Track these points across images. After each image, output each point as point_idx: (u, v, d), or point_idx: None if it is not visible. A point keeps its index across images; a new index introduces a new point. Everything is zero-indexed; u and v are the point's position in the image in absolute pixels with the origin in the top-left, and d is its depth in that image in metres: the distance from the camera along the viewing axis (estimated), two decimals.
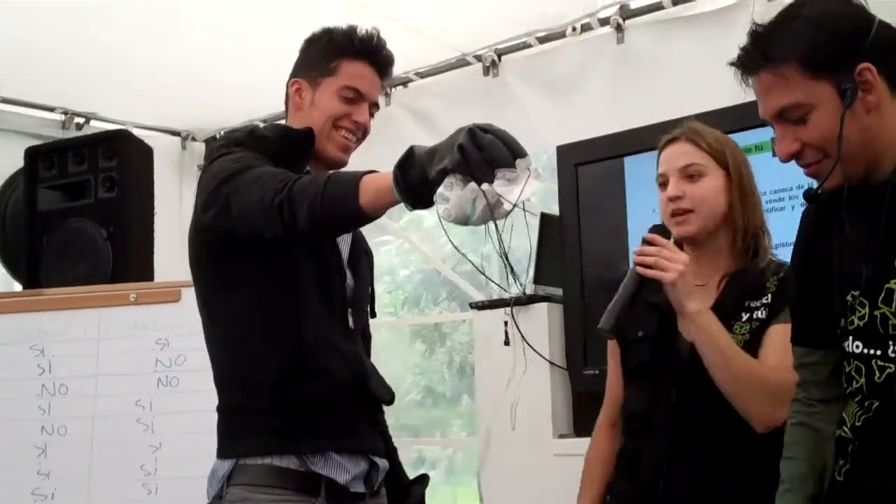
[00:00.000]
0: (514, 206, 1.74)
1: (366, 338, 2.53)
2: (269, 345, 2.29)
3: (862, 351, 1.92)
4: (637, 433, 2.48)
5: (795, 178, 3.05)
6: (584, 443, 3.42)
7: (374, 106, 2.51)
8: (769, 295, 2.37)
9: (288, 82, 2.50)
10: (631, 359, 2.53)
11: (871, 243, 1.87)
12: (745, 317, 2.37)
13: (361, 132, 2.48)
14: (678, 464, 2.36)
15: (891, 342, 1.87)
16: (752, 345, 2.33)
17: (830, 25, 1.86)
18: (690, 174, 2.41)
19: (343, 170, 2.28)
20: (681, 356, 2.40)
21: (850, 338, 1.94)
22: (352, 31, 2.47)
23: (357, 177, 1.93)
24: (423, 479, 2.70)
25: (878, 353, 1.89)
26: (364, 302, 2.53)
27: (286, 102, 2.52)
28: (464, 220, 1.76)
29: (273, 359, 2.28)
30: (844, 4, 1.90)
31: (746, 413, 2.29)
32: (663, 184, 2.46)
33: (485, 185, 1.72)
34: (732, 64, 1.94)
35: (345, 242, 2.45)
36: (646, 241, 2.37)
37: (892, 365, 1.87)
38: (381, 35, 2.49)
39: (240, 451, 2.28)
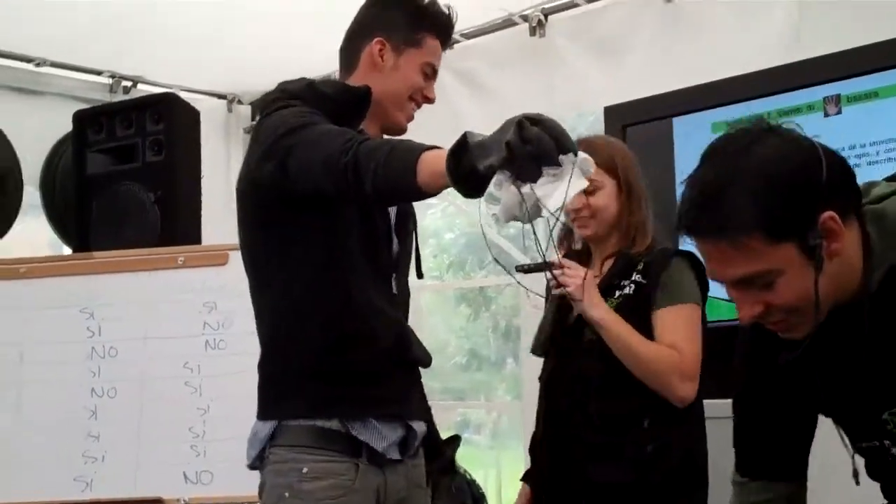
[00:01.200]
0: (554, 213, 1.71)
1: (403, 300, 2.51)
2: (317, 309, 2.28)
3: None
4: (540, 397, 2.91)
5: (846, 139, 3.01)
6: None
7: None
8: (637, 274, 2.71)
9: (363, 35, 2.45)
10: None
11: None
12: (616, 294, 2.72)
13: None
14: (555, 424, 2.81)
15: None
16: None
17: (785, 182, 1.65)
18: (589, 190, 2.72)
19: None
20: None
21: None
22: (436, 4, 2.47)
23: (417, 153, 1.88)
24: (454, 440, 2.72)
25: None
26: (406, 266, 2.52)
27: (353, 55, 2.47)
28: (513, 219, 1.75)
29: (320, 323, 2.27)
30: (792, 149, 1.69)
31: (663, 392, 2.63)
32: None
33: (526, 189, 1.70)
34: (677, 228, 1.75)
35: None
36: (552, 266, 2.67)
37: None
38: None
39: (282, 413, 2.29)
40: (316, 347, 2.27)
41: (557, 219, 1.73)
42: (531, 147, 1.68)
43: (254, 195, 2.30)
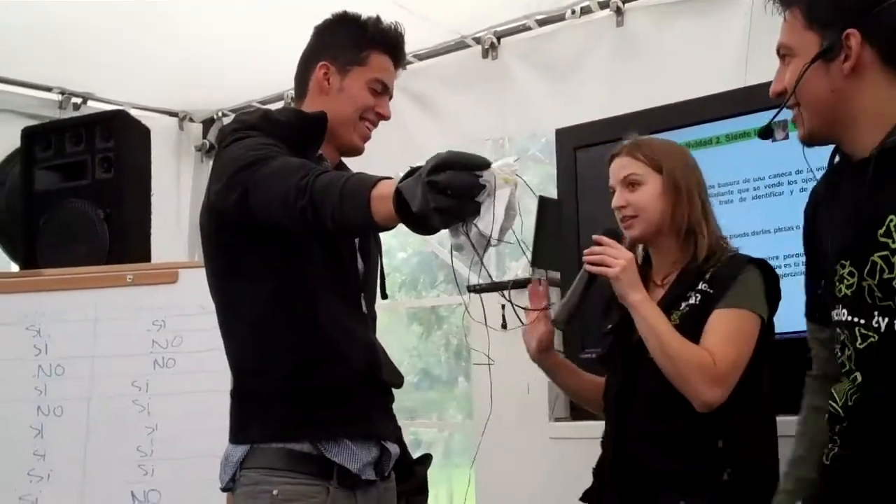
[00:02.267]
0: (487, 235, 1.75)
1: (372, 319, 2.52)
2: (285, 332, 2.29)
3: (848, 319, 1.95)
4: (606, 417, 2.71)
5: (795, 164, 3.06)
6: (580, 426, 3.44)
7: (390, 98, 2.54)
8: (704, 283, 2.54)
9: (310, 61, 2.48)
10: (602, 349, 2.78)
11: (857, 216, 1.91)
12: (682, 306, 2.54)
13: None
14: (622, 445, 2.58)
15: (875, 312, 1.89)
16: (683, 329, 2.48)
17: None
18: (630, 183, 2.65)
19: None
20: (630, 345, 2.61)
21: (839, 306, 1.97)
22: (380, 22, 2.48)
23: (366, 194, 1.89)
24: (425, 459, 2.71)
25: (863, 321, 1.91)
26: (374, 285, 2.53)
27: (303, 82, 2.50)
28: (485, 250, 1.78)
29: (289, 346, 2.28)
30: None
31: (686, 394, 2.44)
32: (613, 194, 2.71)
33: (474, 231, 1.74)
34: None
35: None
36: (594, 243, 2.58)
37: (874, 335, 1.89)
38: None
39: (254, 436, 2.29)
40: (285, 370, 2.27)
41: (489, 240, 1.75)
42: (452, 189, 1.71)
43: (218, 222, 2.31)
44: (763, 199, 3.14)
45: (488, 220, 1.73)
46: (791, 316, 3.03)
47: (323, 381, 2.28)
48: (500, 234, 1.74)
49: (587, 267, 2.57)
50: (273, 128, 2.32)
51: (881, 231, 1.86)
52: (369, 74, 2.45)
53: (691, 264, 2.59)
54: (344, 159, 2.54)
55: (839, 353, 1.99)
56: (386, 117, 2.49)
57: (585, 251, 2.59)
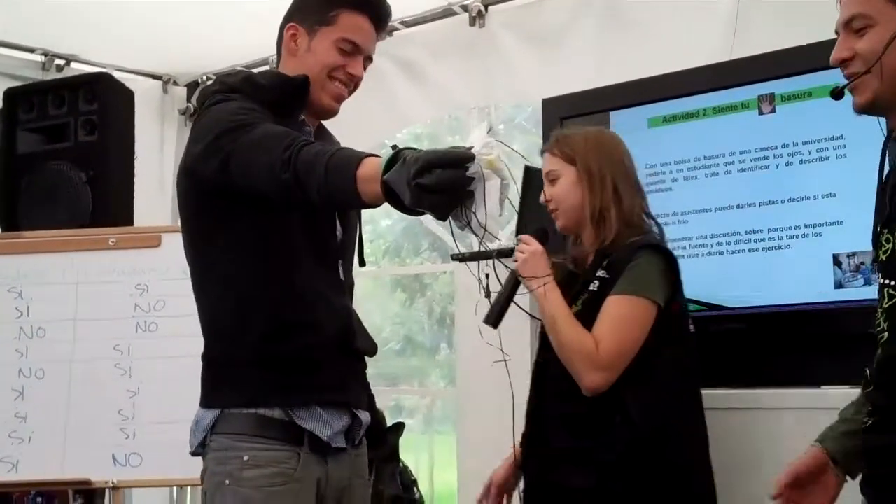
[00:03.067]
0: (482, 226, 1.77)
1: (349, 286, 2.52)
2: (260, 297, 2.27)
3: (883, 282, 1.96)
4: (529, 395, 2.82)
5: (781, 137, 3.06)
6: None
7: (368, 59, 2.47)
8: (602, 270, 2.64)
9: (283, 25, 2.45)
10: None
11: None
12: (584, 293, 2.66)
13: (354, 84, 2.44)
14: (538, 422, 2.74)
15: None
16: (583, 315, 2.61)
17: None
18: (551, 179, 2.78)
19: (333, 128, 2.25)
20: None
21: (878, 272, 1.99)
22: None
23: (353, 168, 1.89)
24: (398, 428, 2.71)
25: (893, 283, 1.93)
26: (352, 252, 2.51)
27: (278, 45, 2.47)
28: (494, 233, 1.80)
29: (263, 311, 2.26)
30: None
31: (575, 378, 2.58)
32: None
33: (475, 220, 1.76)
34: None
35: None
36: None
37: None
38: None
39: (225, 401, 2.27)
40: (258, 335, 2.26)
41: (485, 228, 1.77)
42: (442, 187, 1.73)
43: (195, 186, 2.28)
44: (749, 173, 3.14)
45: (482, 208, 1.75)
46: (776, 289, 3.08)
47: (296, 347, 2.27)
48: (494, 213, 1.76)
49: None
50: (255, 91, 2.31)
51: None
52: (337, 34, 2.40)
53: (599, 250, 2.70)
54: (326, 123, 2.52)
55: (877, 318, 2.00)
56: (356, 77, 2.43)
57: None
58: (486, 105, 4.50)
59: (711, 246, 3.19)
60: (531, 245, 2.71)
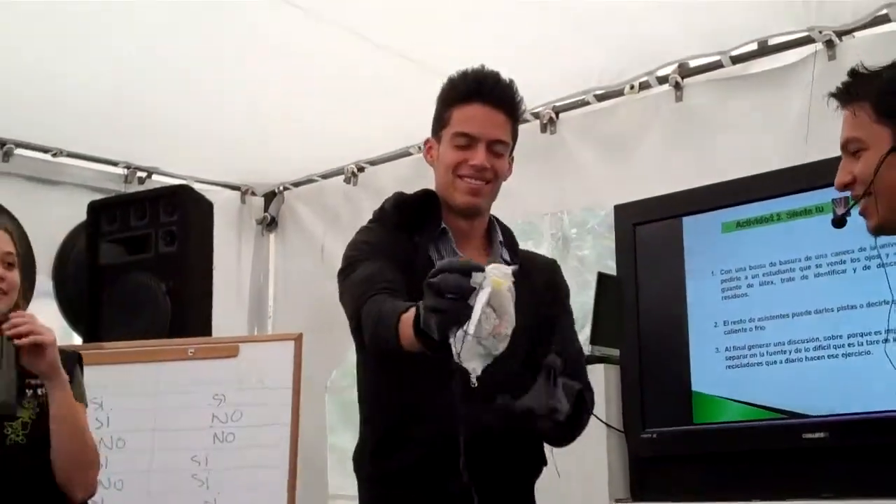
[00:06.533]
0: (473, 335, 1.82)
1: None
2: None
3: None
4: None
5: (857, 241, 3.02)
6: None
7: (499, 143, 2.45)
8: None
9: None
10: None
11: None
12: None
13: (490, 174, 2.44)
14: None
15: None
16: None
17: None
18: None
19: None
20: None
21: None
22: (461, 74, 2.47)
23: (395, 321, 2.04)
24: None
25: None
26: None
27: None
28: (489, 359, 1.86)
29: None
30: None
31: None
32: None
33: (460, 337, 1.83)
34: (830, 94, 2.11)
35: None
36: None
37: None
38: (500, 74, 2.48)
39: None
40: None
41: (465, 334, 1.83)
42: (444, 292, 1.82)
43: None
44: (825, 277, 3.10)
45: (476, 320, 1.81)
46: (858, 396, 3.00)
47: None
48: (477, 331, 1.80)
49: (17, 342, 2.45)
50: (382, 216, 2.47)
51: None
52: (451, 131, 2.44)
53: None
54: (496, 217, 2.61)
55: None
56: (480, 166, 2.41)
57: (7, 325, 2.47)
58: (558, 210, 4.51)
59: (790, 353, 3.14)
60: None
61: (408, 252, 2.39)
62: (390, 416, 2.38)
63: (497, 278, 1.81)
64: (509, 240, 2.59)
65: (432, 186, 2.54)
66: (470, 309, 1.80)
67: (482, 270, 1.82)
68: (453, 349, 1.84)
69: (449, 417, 2.24)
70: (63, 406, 2.51)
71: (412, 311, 1.97)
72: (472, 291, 1.80)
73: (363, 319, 2.15)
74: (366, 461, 2.43)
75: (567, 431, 2.29)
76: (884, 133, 1.98)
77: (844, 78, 2.10)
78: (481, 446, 2.24)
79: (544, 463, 2.56)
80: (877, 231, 2.06)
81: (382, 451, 2.37)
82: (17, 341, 2.44)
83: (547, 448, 2.60)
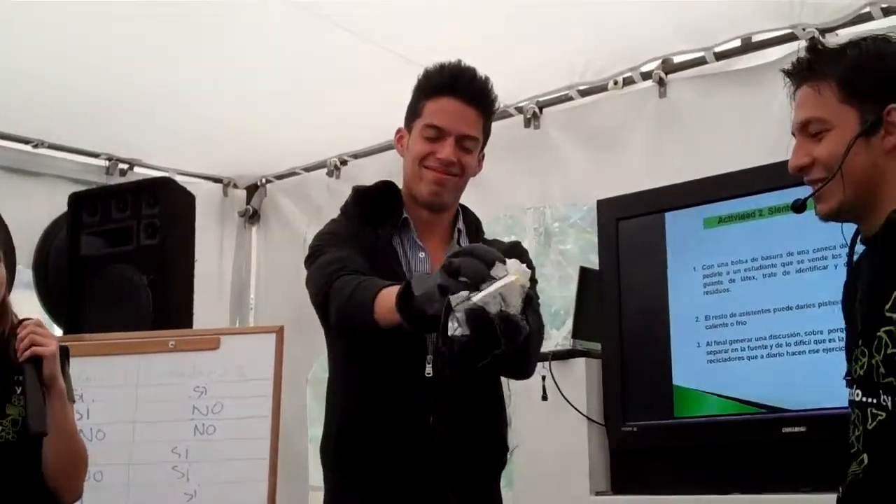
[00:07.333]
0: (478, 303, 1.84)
1: None
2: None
3: (861, 399, 1.90)
4: None
5: (839, 237, 3.03)
6: (621, 500, 3.40)
7: (468, 139, 2.45)
8: None
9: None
10: None
11: (870, 293, 1.89)
12: None
13: (457, 168, 2.45)
14: None
15: (881, 391, 1.84)
16: None
17: (879, 60, 1.94)
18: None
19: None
20: None
21: (854, 386, 1.93)
22: (438, 67, 2.48)
23: (373, 293, 2.08)
24: None
25: (874, 401, 1.86)
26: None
27: None
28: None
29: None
30: None
31: None
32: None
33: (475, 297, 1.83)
34: (782, 70, 2.04)
35: None
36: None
37: (882, 413, 1.84)
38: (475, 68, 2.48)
39: None
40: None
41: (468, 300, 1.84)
42: (463, 272, 1.85)
43: None
44: (807, 273, 3.12)
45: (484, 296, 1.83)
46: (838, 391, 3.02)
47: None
48: (483, 302, 1.82)
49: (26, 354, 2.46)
50: (345, 208, 2.52)
51: (887, 306, 1.82)
52: (422, 123, 2.45)
53: None
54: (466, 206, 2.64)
55: (850, 435, 1.93)
56: (446, 160, 2.42)
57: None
58: (540, 205, 4.52)
59: (771, 348, 3.16)
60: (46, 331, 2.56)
61: (371, 241, 2.42)
62: (352, 400, 2.40)
63: (518, 274, 1.84)
64: (471, 227, 2.60)
65: None
66: (483, 273, 1.85)
67: (504, 262, 1.85)
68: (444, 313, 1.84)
69: (412, 400, 2.33)
70: (58, 418, 2.48)
71: (395, 287, 2.00)
72: (484, 281, 1.82)
73: (331, 294, 2.17)
74: (330, 448, 2.46)
75: (523, 345, 2.20)
76: (849, 113, 1.91)
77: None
78: (446, 404, 2.32)
79: (507, 448, 2.63)
80: (829, 216, 1.97)
81: (346, 436, 2.39)
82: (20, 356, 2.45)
83: (526, 434, 2.64)
